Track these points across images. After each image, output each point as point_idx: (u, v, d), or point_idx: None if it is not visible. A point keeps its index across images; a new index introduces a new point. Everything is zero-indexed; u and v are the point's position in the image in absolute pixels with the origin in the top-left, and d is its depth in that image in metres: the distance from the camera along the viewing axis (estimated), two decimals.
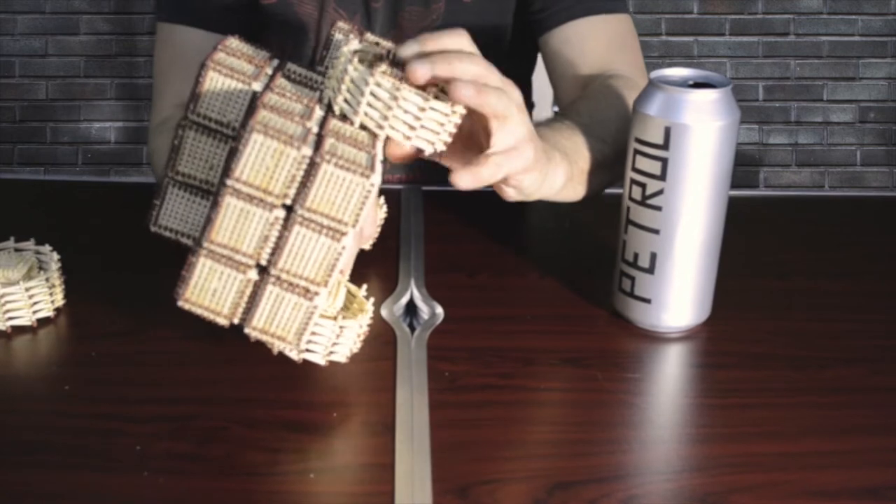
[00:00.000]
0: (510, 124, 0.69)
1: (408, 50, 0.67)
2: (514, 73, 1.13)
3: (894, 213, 1.06)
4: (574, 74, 1.02)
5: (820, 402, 0.70)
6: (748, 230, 0.93)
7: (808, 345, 0.77)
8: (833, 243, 0.95)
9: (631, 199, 0.75)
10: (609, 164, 0.84)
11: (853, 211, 1.06)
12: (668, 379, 0.75)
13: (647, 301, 0.76)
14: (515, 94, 0.71)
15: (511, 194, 0.75)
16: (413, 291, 0.82)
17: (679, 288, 0.76)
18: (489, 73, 0.69)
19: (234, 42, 0.68)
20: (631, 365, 0.74)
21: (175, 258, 0.83)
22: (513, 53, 1.12)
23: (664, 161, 0.72)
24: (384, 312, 0.78)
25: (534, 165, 0.72)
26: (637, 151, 0.74)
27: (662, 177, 0.73)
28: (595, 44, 1.02)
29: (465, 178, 0.67)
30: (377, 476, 0.60)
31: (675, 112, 0.71)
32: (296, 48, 1.09)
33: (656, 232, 0.74)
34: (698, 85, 0.74)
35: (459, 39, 0.70)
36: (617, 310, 0.79)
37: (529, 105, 1.27)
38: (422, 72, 0.64)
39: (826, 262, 0.91)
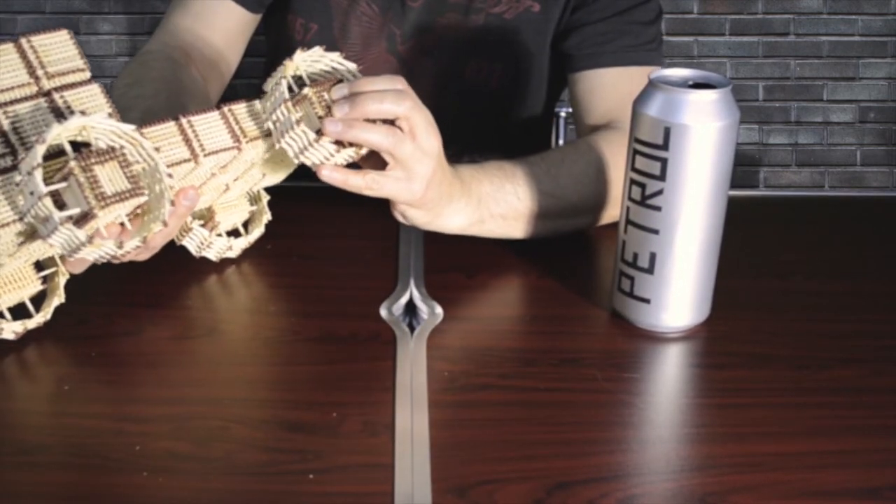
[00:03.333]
0: (403, 164, 0.76)
1: (337, 93, 0.75)
2: (542, 93, 1.13)
3: (894, 213, 1.06)
4: (590, 123, 1.02)
5: (820, 402, 0.70)
6: (748, 230, 0.93)
7: (808, 345, 0.77)
8: (833, 243, 0.95)
9: (630, 199, 0.75)
10: (552, 215, 0.87)
11: (853, 211, 1.06)
12: (668, 379, 0.75)
13: (647, 301, 0.76)
14: (427, 142, 0.76)
15: (398, 218, 0.82)
16: (413, 291, 0.82)
17: (678, 288, 0.76)
18: (412, 114, 0.75)
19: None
20: (630, 365, 0.74)
21: (175, 258, 0.83)
22: (545, 74, 1.11)
23: (664, 161, 0.72)
24: (383, 312, 0.78)
25: (420, 203, 0.79)
26: (637, 151, 0.74)
27: (662, 177, 0.73)
28: (617, 96, 1.00)
29: (331, 172, 0.75)
30: (377, 476, 0.60)
31: (674, 112, 0.71)
32: (320, 32, 1.08)
33: (656, 232, 0.74)
34: (698, 85, 0.74)
35: (392, 82, 0.77)
36: (616, 310, 0.79)
37: (552, 117, 1.24)
38: (331, 130, 0.74)
39: (826, 262, 0.91)
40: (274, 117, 0.74)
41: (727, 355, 0.75)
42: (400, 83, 0.76)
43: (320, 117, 0.75)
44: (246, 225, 0.88)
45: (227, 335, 0.78)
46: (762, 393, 0.70)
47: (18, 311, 0.74)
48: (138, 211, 0.68)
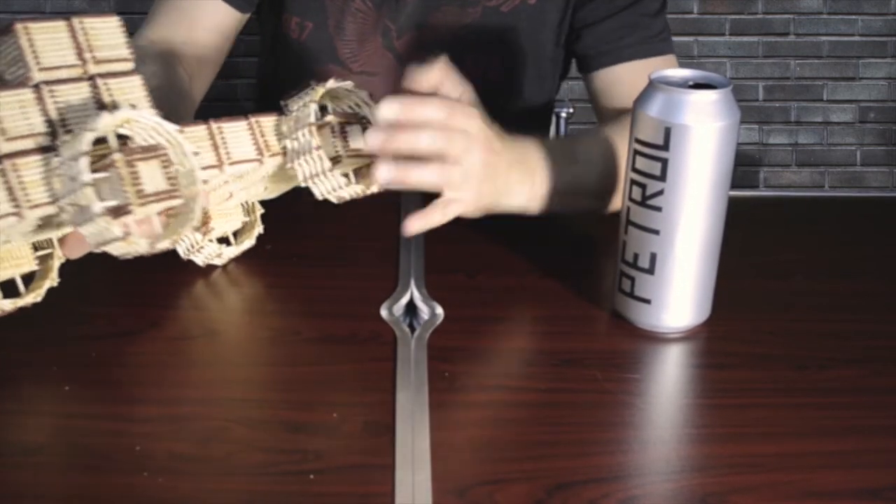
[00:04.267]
0: (455, 190, 0.77)
1: (386, 111, 0.74)
2: (541, 85, 1.13)
3: (894, 213, 1.06)
4: (616, 114, 1.03)
5: (820, 402, 0.70)
6: (748, 230, 0.93)
7: (808, 345, 0.77)
8: (833, 243, 0.95)
9: (631, 199, 0.75)
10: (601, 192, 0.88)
11: (853, 211, 1.06)
12: (668, 379, 0.75)
13: (647, 301, 0.76)
14: (470, 160, 0.76)
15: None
16: (413, 292, 0.82)
17: (679, 288, 0.76)
18: (449, 144, 0.75)
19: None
20: (631, 365, 0.74)
21: (175, 259, 0.83)
22: (544, 66, 1.12)
23: (664, 161, 0.72)
24: (384, 313, 0.78)
25: (471, 210, 0.79)
26: (637, 152, 0.74)
27: (662, 177, 0.73)
28: (639, 87, 1.01)
29: (415, 225, 0.76)
30: (377, 476, 0.60)
31: (675, 113, 0.71)
32: (315, 30, 1.09)
33: (656, 232, 0.74)
34: (698, 85, 0.74)
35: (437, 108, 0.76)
36: (617, 310, 0.79)
37: (550, 113, 1.25)
38: (383, 179, 0.73)
39: (826, 262, 0.91)
40: (295, 136, 0.74)
41: (727, 355, 0.75)
42: (443, 108, 0.76)
43: (336, 158, 0.76)
44: (236, 234, 0.88)
45: (228, 335, 0.78)
46: (762, 393, 0.70)
47: (9, 290, 0.73)
48: (168, 213, 0.67)
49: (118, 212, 0.63)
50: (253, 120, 0.75)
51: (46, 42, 0.66)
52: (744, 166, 2.36)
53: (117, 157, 0.63)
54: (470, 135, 0.76)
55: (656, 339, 0.77)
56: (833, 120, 2.36)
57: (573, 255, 0.91)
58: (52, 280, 0.75)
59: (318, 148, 0.73)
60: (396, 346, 0.74)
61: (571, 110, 1.52)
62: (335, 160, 0.77)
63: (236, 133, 0.73)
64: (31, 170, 0.64)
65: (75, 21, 0.68)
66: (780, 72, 2.32)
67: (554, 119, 1.45)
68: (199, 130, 0.71)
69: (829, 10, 2.29)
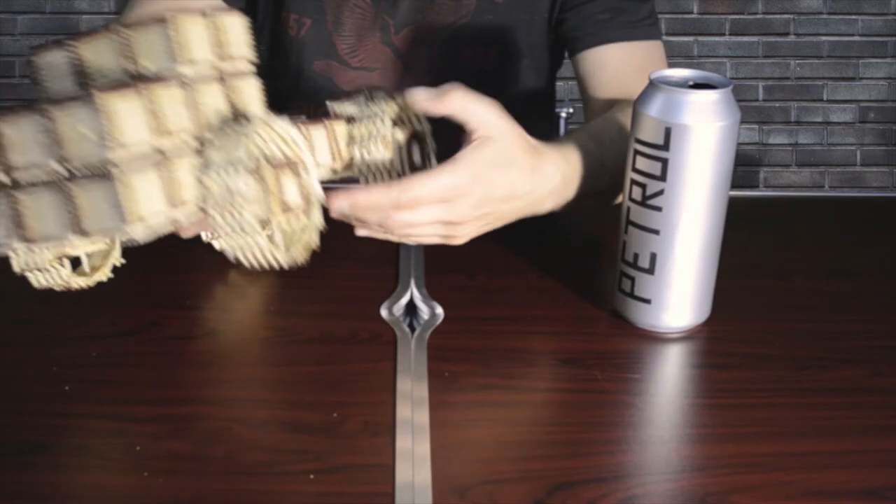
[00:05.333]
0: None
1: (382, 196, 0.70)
2: (538, 73, 1.14)
3: (894, 213, 1.06)
4: (603, 98, 1.03)
5: (820, 402, 0.70)
6: (748, 230, 0.93)
7: (808, 345, 0.77)
8: (833, 243, 0.95)
9: (631, 199, 0.75)
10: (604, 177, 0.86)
11: (853, 211, 1.06)
12: (668, 379, 0.75)
13: (647, 301, 0.76)
14: (460, 230, 0.75)
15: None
16: (413, 292, 0.82)
17: (679, 288, 0.76)
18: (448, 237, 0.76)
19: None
20: (631, 365, 0.74)
21: (175, 259, 0.83)
22: (539, 53, 1.12)
23: (664, 161, 0.72)
24: (384, 313, 0.79)
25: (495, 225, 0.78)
26: (637, 152, 0.74)
27: (663, 177, 0.73)
28: (625, 70, 1.03)
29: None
30: (377, 476, 0.60)
31: (675, 113, 0.71)
32: (314, 26, 1.09)
33: (656, 232, 0.74)
34: (698, 85, 0.74)
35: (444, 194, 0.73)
36: (617, 310, 0.79)
37: (551, 107, 1.26)
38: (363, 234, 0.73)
39: (826, 262, 0.91)
40: (366, 147, 0.73)
41: (727, 355, 0.75)
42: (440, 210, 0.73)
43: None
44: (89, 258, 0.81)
45: (228, 335, 0.78)
46: (762, 393, 0.70)
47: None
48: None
49: (264, 224, 0.62)
50: (328, 123, 0.72)
51: (192, 36, 0.63)
52: (744, 166, 2.36)
53: (268, 170, 0.61)
54: (466, 222, 0.75)
55: (656, 339, 0.77)
56: (833, 120, 2.36)
57: (573, 255, 0.91)
58: (116, 258, 0.73)
59: (389, 162, 0.72)
60: (396, 346, 0.74)
61: (571, 110, 1.52)
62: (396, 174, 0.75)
63: (318, 137, 0.71)
64: (181, 169, 0.62)
65: (208, 17, 0.65)
66: (780, 72, 2.32)
67: (554, 120, 1.45)
68: (319, 129, 0.69)
69: (829, 10, 2.29)
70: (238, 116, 0.66)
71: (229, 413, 0.66)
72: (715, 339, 0.77)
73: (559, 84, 1.27)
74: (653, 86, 0.73)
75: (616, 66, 1.04)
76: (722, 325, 0.78)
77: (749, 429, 0.66)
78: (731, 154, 0.73)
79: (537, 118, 1.19)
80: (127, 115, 0.57)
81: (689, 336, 0.78)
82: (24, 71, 2.33)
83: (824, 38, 2.30)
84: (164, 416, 0.65)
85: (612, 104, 1.00)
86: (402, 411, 0.66)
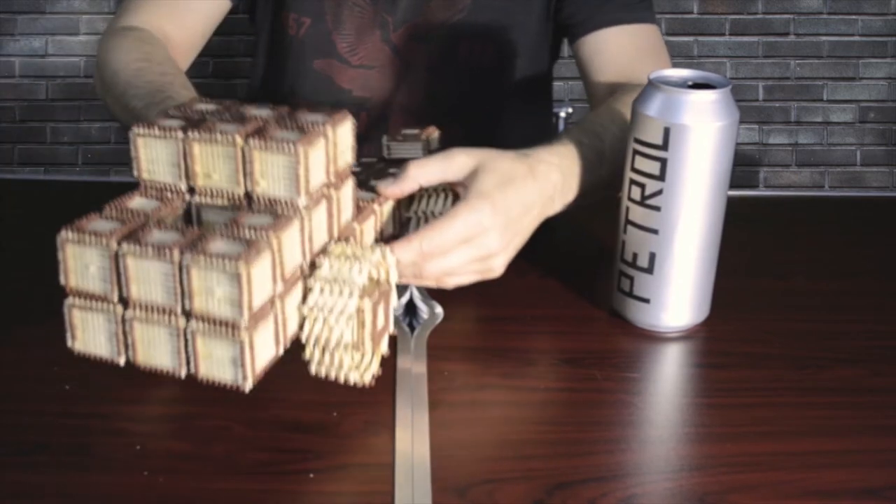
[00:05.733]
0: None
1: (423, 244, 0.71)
2: (536, 67, 1.15)
3: (894, 213, 1.07)
4: (604, 82, 1.05)
5: (819, 402, 0.70)
6: (748, 230, 0.93)
7: (807, 345, 0.77)
8: (833, 243, 0.95)
9: (630, 199, 0.75)
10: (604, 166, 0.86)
11: (853, 211, 1.06)
12: (667, 378, 0.75)
13: (646, 301, 0.76)
14: (495, 262, 0.75)
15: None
16: (413, 291, 0.82)
17: (678, 288, 0.76)
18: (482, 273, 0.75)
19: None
20: (630, 365, 0.74)
21: None
22: (536, 47, 1.13)
23: (663, 161, 0.72)
24: None
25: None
26: (636, 152, 0.74)
27: (661, 177, 0.73)
28: (624, 53, 1.05)
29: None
30: (377, 476, 0.60)
31: (674, 113, 0.71)
32: (313, 25, 1.09)
33: (655, 232, 0.74)
34: (698, 86, 0.74)
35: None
36: (616, 310, 0.79)
37: (549, 99, 1.26)
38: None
39: (826, 262, 0.91)
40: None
41: (727, 355, 0.75)
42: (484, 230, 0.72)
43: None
44: None
45: None
46: (762, 393, 0.70)
47: None
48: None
49: (354, 346, 0.63)
50: (375, 207, 0.73)
51: (314, 162, 0.61)
52: (744, 166, 2.36)
53: (368, 304, 0.62)
54: (499, 253, 0.74)
55: (655, 338, 0.77)
56: (833, 120, 2.36)
57: (573, 255, 0.91)
58: (384, 352, 0.69)
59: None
60: (396, 345, 0.74)
61: (571, 110, 1.52)
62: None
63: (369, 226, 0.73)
64: (289, 305, 0.61)
65: (330, 133, 0.63)
66: (780, 72, 2.32)
67: (553, 119, 1.46)
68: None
69: (829, 10, 2.29)
70: (342, 238, 0.67)
71: (229, 413, 0.66)
72: (714, 338, 0.77)
73: (559, 84, 1.27)
74: (652, 86, 0.73)
75: (614, 50, 1.05)
76: (721, 325, 0.78)
77: (748, 428, 0.66)
78: (730, 154, 0.74)
79: (535, 112, 1.20)
80: (259, 278, 0.56)
81: (689, 335, 0.78)
82: (23, 71, 2.33)
83: (824, 38, 2.30)
84: (164, 416, 0.65)
85: (613, 88, 1.01)
86: (402, 411, 0.66)
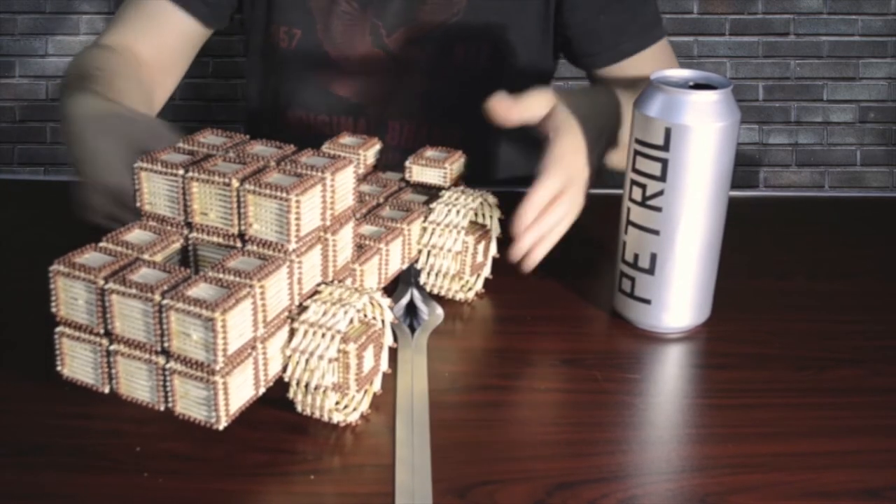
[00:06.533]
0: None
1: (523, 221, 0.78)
2: (534, 64, 1.15)
3: (894, 213, 1.06)
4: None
5: (820, 402, 0.70)
6: (748, 230, 0.93)
7: (807, 345, 0.77)
8: (833, 243, 0.95)
9: (631, 199, 0.75)
10: None
11: (853, 211, 1.06)
12: (668, 379, 0.75)
13: (647, 302, 0.76)
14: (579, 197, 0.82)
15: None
16: (413, 292, 0.82)
17: (679, 289, 0.76)
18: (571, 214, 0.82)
19: None
20: (631, 365, 0.74)
21: None
22: (534, 46, 1.12)
23: (664, 162, 0.72)
24: None
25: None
26: (637, 152, 0.74)
27: (663, 178, 0.73)
28: (642, 73, 1.07)
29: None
30: (377, 476, 0.60)
31: (675, 113, 0.71)
32: (304, 36, 1.09)
33: (656, 233, 0.74)
34: (699, 86, 0.74)
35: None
36: (617, 310, 0.79)
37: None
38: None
39: (826, 262, 0.91)
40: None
41: (727, 356, 0.75)
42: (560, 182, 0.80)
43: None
44: None
45: None
46: (762, 393, 0.70)
47: None
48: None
49: (335, 388, 0.63)
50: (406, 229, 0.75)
51: (306, 209, 0.62)
52: (744, 166, 2.36)
53: (352, 347, 0.62)
54: (577, 189, 0.81)
55: (656, 339, 0.77)
56: (833, 120, 2.36)
57: (573, 255, 0.91)
58: (373, 393, 0.69)
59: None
60: (397, 346, 0.74)
61: None
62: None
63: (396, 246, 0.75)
64: (272, 347, 0.62)
65: (328, 180, 0.63)
66: (780, 72, 2.32)
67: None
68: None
69: (829, 10, 2.28)
70: (337, 280, 0.67)
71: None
72: (715, 339, 0.77)
73: (559, 84, 1.27)
74: (653, 86, 0.73)
75: (632, 76, 1.08)
76: (722, 326, 0.78)
77: (749, 429, 0.66)
78: (730, 154, 0.73)
79: None
80: (236, 324, 0.57)
81: (689, 336, 0.78)
82: (23, 71, 2.33)
83: (824, 38, 2.30)
84: (164, 416, 0.65)
85: None
86: (403, 411, 0.66)
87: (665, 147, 0.72)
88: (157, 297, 0.57)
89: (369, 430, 0.65)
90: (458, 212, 0.77)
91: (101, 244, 0.62)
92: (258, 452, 0.62)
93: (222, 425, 0.59)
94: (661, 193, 0.73)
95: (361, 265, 0.70)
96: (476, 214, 0.82)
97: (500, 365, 0.73)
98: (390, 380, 0.70)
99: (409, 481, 0.60)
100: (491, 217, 0.83)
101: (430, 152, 0.83)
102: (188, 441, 0.63)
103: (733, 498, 0.59)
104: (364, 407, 0.66)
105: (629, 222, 0.76)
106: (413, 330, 0.77)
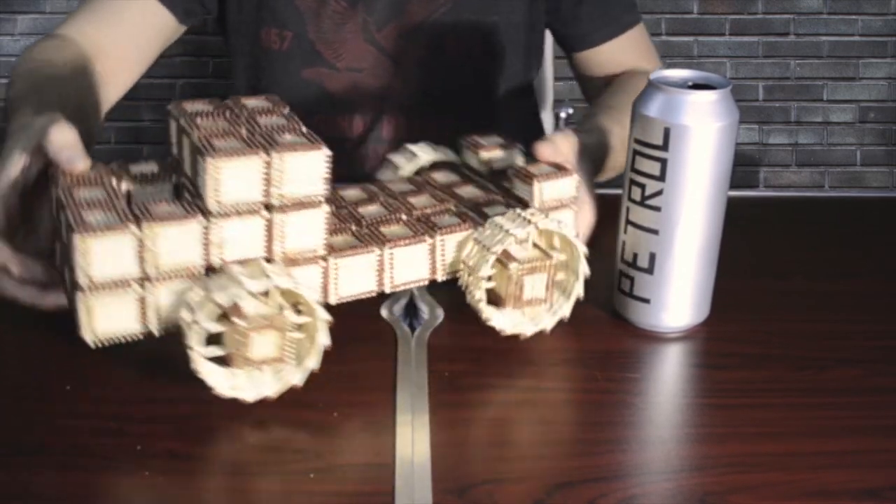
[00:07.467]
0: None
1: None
2: (521, 59, 1.16)
3: (894, 213, 1.06)
4: (604, 84, 1.14)
5: (820, 402, 0.70)
6: (748, 230, 0.93)
7: (807, 345, 0.77)
8: (833, 243, 0.95)
9: (630, 199, 0.75)
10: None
11: (853, 211, 1.06)
12: (668, 379, 0.75)
13: (647, 301, 0.76)
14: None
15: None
16: (413, 291, 0.82)
17: (678, 288, 0.76)
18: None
19: None
20: (630, 365, 0.74)
21: None
22: (523, 36, 1.13)
23: (663, 162, 0.72)
24: (384, 312, 0.79)
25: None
26: (636, 152, 0.74)
27: (662, 177, 0.73)
28: (623, 58, 1.14)
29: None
30: (377, 476, 0.60)
31: (674, 113, 0.71)
32: (296, 38, 1.09)
33: (655, 232, 0.74)
34: (698, 86, 0.74)
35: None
36: (616, 310, 0.79)
37: (532, 103, 1.27)
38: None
39: (826, 262, 0.91)
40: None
41: (727, 355, 0.75)
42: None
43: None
44: None
45: None
46: (762, 393, 0.70)
47: None
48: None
49: (226, 361, 0.65)
50: (438, 239, 0.73)
51: (227, 175, 0.63)
52: (744, 166, 2.36)
53: (241, 326, 0.63)
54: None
55: (656, 338, 0.77)
56: (833, 120, 2.36)
57: None
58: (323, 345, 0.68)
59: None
60: (397, 345, 0.74)
61: (571, 111, 1.52)
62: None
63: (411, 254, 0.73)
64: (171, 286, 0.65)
65: (275, 156, 0.64)
66: (780, 72, 2.32)
67: (554, 119, 1.46)
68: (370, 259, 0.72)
69: (829, 10, 2.29)
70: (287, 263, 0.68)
71: (229, 413, 0.66)
72: (714, 338, 0.77)
73: (559, 84, 1.27)
74: (652, 86, 0.73)
75: (614, 59, 1.14)
76: (721, 325, 0.78)
77: (748, 429, 0.66)
78: (730, 154, 0.74)
79: (521, 104, 1.22)
80: (104, 252, 0.62)
81: (689, 336, 0.78)
82: None
83: (824, 38, 2.30)
84: (164, 416, 0.65)
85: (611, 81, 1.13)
86: (402, 411, 0.66)
87: (664, 147, 0.72)
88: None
89: (369, 429, 0.65)
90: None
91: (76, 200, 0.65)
92: (258, 451, 0.62)
93: (89, 340, 0.65)
94: (660, 193, 0.73)
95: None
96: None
97: (500, 365, 0.73)
98: (390, 379, 0.70)
99: (410, 481, 0.60)
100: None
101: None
102: (188, 441, 0.63)
103: (733, 497, 0.59)
104: (313, 362, 0.66)
105: (628, 222, 0.76)
106: (413, 330, 0.77)
